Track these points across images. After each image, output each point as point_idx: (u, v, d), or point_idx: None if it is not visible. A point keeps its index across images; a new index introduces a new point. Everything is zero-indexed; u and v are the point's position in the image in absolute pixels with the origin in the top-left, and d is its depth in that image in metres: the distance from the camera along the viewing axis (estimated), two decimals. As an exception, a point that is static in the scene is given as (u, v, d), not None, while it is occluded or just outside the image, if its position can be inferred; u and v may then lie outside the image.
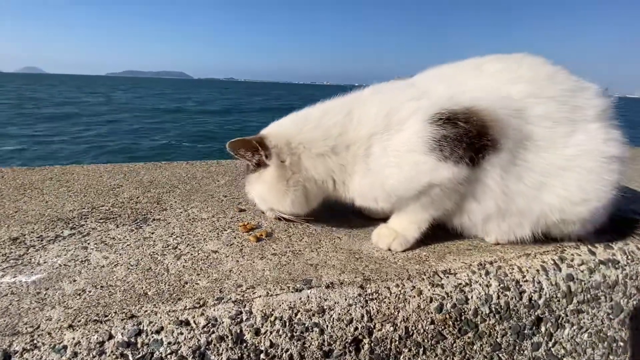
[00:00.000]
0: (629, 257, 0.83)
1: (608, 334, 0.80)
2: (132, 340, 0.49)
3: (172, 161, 1.46)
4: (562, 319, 0.74)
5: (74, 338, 0.48)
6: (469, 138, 0.66)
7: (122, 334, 0.49)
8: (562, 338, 0.75)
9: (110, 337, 0.49)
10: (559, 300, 0.73)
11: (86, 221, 0.85)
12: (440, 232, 0.82)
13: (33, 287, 0.58)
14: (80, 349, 0.47)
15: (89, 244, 0.74)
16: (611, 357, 0.81)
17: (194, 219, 0.88)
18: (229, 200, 1.02)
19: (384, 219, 0.84)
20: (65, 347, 0.47)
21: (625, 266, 0.81)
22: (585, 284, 0.76)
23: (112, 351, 0.47)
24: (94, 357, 0.47)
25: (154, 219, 0.88)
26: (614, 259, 0.81)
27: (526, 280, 0.71)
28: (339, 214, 0.96)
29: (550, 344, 0.73)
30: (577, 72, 0.76)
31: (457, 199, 0.73)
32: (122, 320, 0.51)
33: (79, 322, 0.50)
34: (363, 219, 0.93)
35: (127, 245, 0.74)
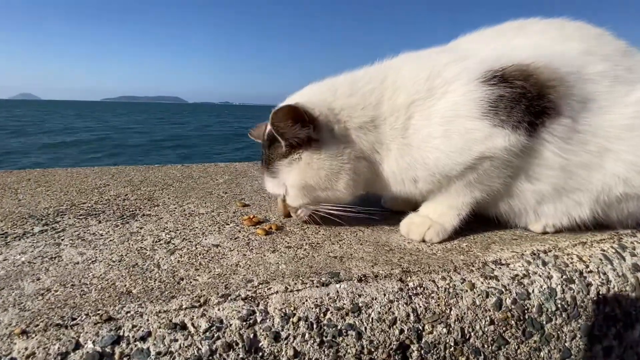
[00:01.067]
0: (694, 245, 0.72)
1: (682, 337, 0.68)
2: (108, 350, 0.36)
3: (167, 164, 1.35)
4: (632, 316, 0.62)
5: (26, 348, 0.35)
6: (528, 100, 0.56)
7: (93, 342, 0.36)
8: (633, 341, 0.62)
9: (77, 346, 0.36)
10: (628, 295, 0.61)
11: (62, 218, 0.72)
12: (472, 222, 0.71)
13: (-17, 287, 0.45)
14: (33, 364, 0.34)
15: (62, 240, 0.61)
16: (687, 365, 0.69)
17: (190, 214, 0.76)
18: (230, 197, 0.90)
19: (414, 208, 0.72)
20: (12, 361, 0.34)
21: (691, 256, 0.70)
22: (654, 275, 0.64)
23: (78, 366, 0.34)
24: (52, 374, 0.33)
25: (143, 215, 0.75)
26: (678, 248, 0.70)
27: (590, 271, 0.60)
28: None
29: (621, 349, 0.61)
30: None
31: (509, 176, 0.62)
32: (95, 324, 0.38)
33: (35, 326, 0.37)
34: (384, 210, 0.81)
35: (110, 240, 0.61)
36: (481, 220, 0.73)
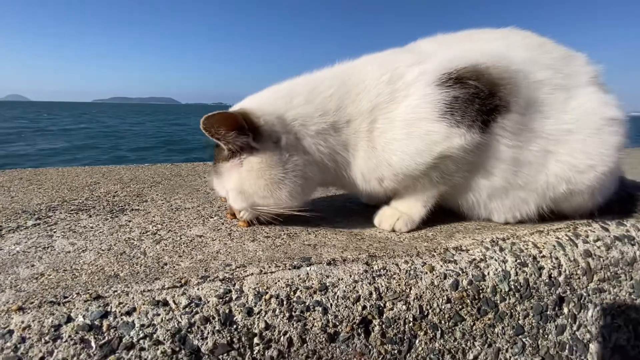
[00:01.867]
0: (644, 233, 0.78)
1: (631, 316, 0.74)
2: (97, 323, 0.40)
3: (156, 163, 1.39)
4: (585, 298, 0.68)
5: (22, 322, 0.39)
6: (481, 99, 0.61)
7: (83, 316, 0.40)
8: (587, 320, 0.68)
9: (69, 319, 0.40)
10: (579, 278, 0.67)
11: (54, 212, 0.76)
12: (441, 214, 0.76)
13: (-19, 273, 0.49)
14: (29, 334, 0.38)
15: (54, 232, 0.65)
16: (637, 342, 0.75)
17: (177, 209, 0.80)
18: (216, 193, 0.95)
19: (385, 202, 0.78)
20: (10, 332, 0.38)
21: (641, 242, 0.76)
22: (603, 260, 0.70)
23: (69, 336, 0.39)
24: (46, 342, 0.38)
25: (132, 209, 0.79)
26: (628, 235, 0.76)
27: (543, 256, 0.65)
28: (332, 200, 0.90)
29: (574, 327, 0.66)
30: None
31: (467, 170, 0.67)
32: (85, 301, 0.42)
33: (31, 304, 0.41)
34: (361, 205, 0.87)
35: (100, 232, 0.66)
36: (450, 212, 0.79)
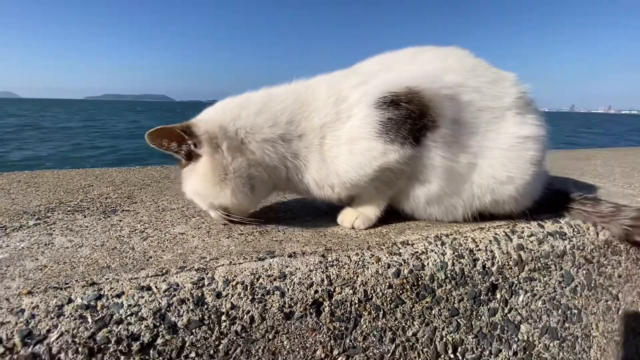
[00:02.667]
0: (575, 229, 0.90)
1: (562, 302, 0.85)
2: (92, 303, 0.50)
3: (147, 166, 1.47)
4: (516, 285, 0.78)
5: (32, 302, 0.48)
6: (412, 119, 0.71)
7: (81, 298, 0.50)
8: (517, 304, 0.79)
9: (70, 301, 0.49)
10: (511, 268, 0.78)
11: (53, 213, 0.85)
12: (400, 215, 0.87)
13: (-7, 265, 0.58)
14: (38, 312, 0.47)
15: (54, 230, 0.74)
16: (567, 324, 0.86)
17: (163, 209, 0.90)
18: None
19: (348, 204, 0.88)
20: (22, 310, 0.47)
21: (572, 238, 0.88)
22: (534, 253, 0.81)
23: (70, 313, 0.48)
24: (52, 318, 0.47)
25: (123, 210, 0.89)
26: (561, 231, 0.87)
27: (479, 249, 0.76)
28: (308, 203, 0.99)
29: (506, 310, 0.77)
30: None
31: (407, 178, 0.78)
32: (82, 287, 0.52)
33: (38, 289, 0.51)
34: (331, 206, 0.96)
35: (94, 230, 0.75)
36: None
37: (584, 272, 0.88)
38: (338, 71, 0.84)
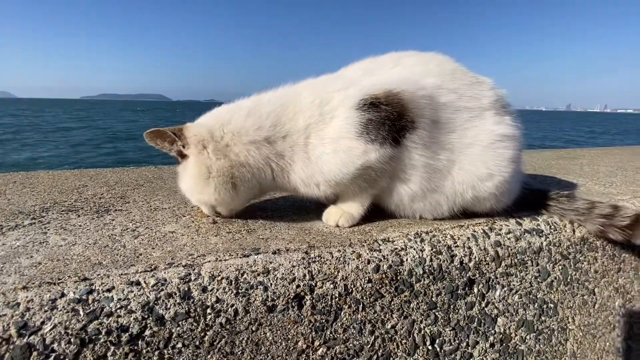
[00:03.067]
0: (552, 227, 0.93)
1: (538, 296, 0.89)
2: (84, 297, 0.53)
3: (141, 166, 1.50)
4: (493, 280, 0.82)
5: (27, 297, 0.51)
6: (391, 120, 0.75)
7: (74, 292, 0.53)
8: (494, 298, 0.82)
9: (63, 295, 0.52)
10: (488, 264, 0.81)
11: (47, 213, 0.88)
12: (384, 214, 0.90)
13: (-11, 262, 0.61)
14: (32, 305, 0.50)
15: (48, 229, 0.77)
16: (543, 317, 0.90)
17: (155, 209, 0.93)
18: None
19: (332, 202, 0.91)
20: (18, 304, 0.50)
21: (548, 235, 0.91)
22: (511, 249, 0.85)
23: (63, 307, 0.51)
24: (45, 311, 0.50)
25: (116, 210, 0.91)
26: (538, 229, 0.91)
27: (457, 246, 0.79)
28: (297, 202, 1.02)
29: (483, 304, 0.81)
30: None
31: (389, 176, 0.81)
32: (74, 282, 0.55)
33: (33, 284, 0.54)
34: (319, 204, 1.00)
35: (87, 229, 0.78)
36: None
37: (560, 267, 0.92)
38: (324, 76, 0.88)
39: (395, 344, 0.71)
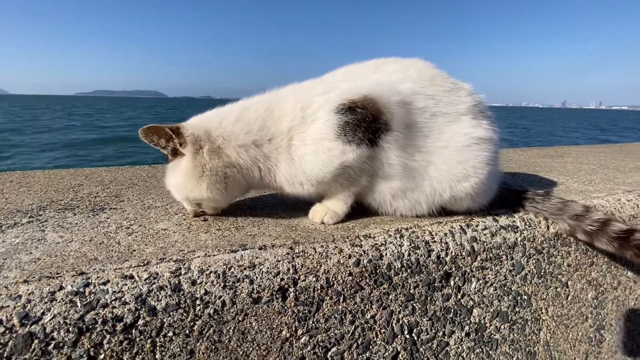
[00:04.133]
0: (527, 223, 0.98)
1: (512, 288, 0.94)
2: (81, 290, 0.57)
3: (135, 165, 1.53)
4: (468, 274, 0.87)
5: (28, 289, 0.55)
6: (366, 122, 0.79)
7: (71, 285, 0.57)
8: (470, 291, 0.88)
9: (61, 288, 0.56)
10: (464, 258, 0.86)
11: (44, 211, 0.91)
12: (369, 212, 0.95)
13: (-9, 258, 0.65)
14: (33, 297, 0.54)
15: (46, 227, 0.81)
16: (517, 309, 0.95)
17: (148, 207, 0.97)
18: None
19: (318, 200, 0.95)
20: (20, 296, 0.54)
21: (523, 230, 0.96)
22: (487, 244, 0.90)
23: (62, 298, 0.55)
24: (45, 303, 0.54)
25: (110, 208, 0.95)
26: (513, 225, 0.96)
27: (434, 241, 0.84)
28: (285, 200, 1.07)
29: (459, 296, 0.86)
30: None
31: (369, 175, 0.86)
32: (72, 276, 0.59)
33: (33, 278, 0.58)
34: (306, 203, 1.04)
35: (83, 227, 0.82)
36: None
37: (534, 261, 0.97)
38: (307, 81, 0.92)
39: (374, 333, 0.76)
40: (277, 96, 0.89)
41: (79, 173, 1.34)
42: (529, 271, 0.96)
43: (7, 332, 0.52)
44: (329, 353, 0.71)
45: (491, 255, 0.90)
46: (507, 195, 1.02)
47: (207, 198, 0.84)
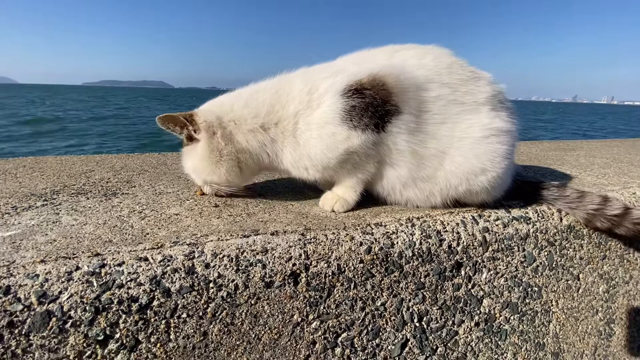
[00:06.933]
0: (540, 214, 0.97)
1: (523, 280, 0.93)
2: (97, 270, 0.57)
3: (144, 152, 1.54)
4: (479, 264, 0.87)
5: (45, 269, 0.56)
6: (374, 107, 0.77)
7: (87, 266, 0.58)
8: (481, 281, 0.87)
9: (78, 268, 0.57)
10: (475, 248, 0.86)
11: (58, 195, 0.92)
12: (379, 199, 0.94)
13: (9, 239, 0.66)
14: (50, 277, 0.55)
15: (60, 210, 0.82)
16: (527, 300, 0.94)
17: (160, 193, 0.97)
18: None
19: (329, 188, 0.95)
20: (37, 275, 0.55)
21: (536, 222, 0.95)
22: (499, 235, 0.89)
23: (78, 278, 0.56)
24: (62, 282, 0.55)
25: (122, 193, 0.96)
26: (526, 216, 0.95)
27: (446, 231, 0.84)
28: (296, 188, 1.07)
29: (469, 286, 0.86)
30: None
31: (377, 162, 0.84)
32: (88, 257, 0.60)
33: (50, 258, 0.58)
34: (317, 191, 1.04)
35: (96, 211, 0.82)
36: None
37: (546, 253, 0.96)
38: (317, 65, 0.91)
39: (384, 320, 0.76)
40: (286, 80, 0.88)
41: (89, 159, 1.35)
42: (541, 263, 0.95)
43: (25, 309, 0.53)
44: (339, 338, 0.72)
45: (503, 246, 0.89)
46: (522, 186, 1.01)
47: (227, 181, 0.86)
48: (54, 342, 0.53)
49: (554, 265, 0.97)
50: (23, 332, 0.52)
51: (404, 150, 0.82)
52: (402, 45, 0.92)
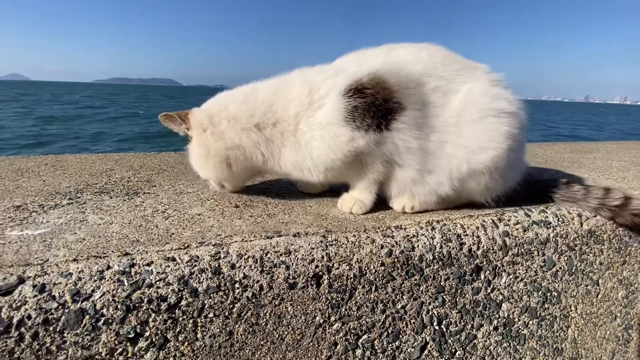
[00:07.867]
0: (560, 219, 0.96)
1: (542, 284, 0.93)
2: (127, 270, 0.59)
3: (162, 152, 1.56)
4: (499, 268, 0.86)
5: (78, 268, 0.58)
6: (376, 106, 0.77)
7: (118, 265, 0.59)
8: (500, 285, 0.87)
9: (109, 267, 0.59)
10: (495, 252, 0.85)
11: (82, 194, 0.94)
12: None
13: (39, 237, 0.68)
14: (83, 275, 0.57)
15: (86, 209, 0.84)
16: (546, 305, 0.94)
17: (180, 192, 0.99)
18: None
19: (345, 190, 0.95)
20: (70, 274, 0.57)
21: (556, 226, 0.94)
22: (519, 239, 0.88)
23: (110, 277, 0.57)
24: (95, 281, 0.56)
25: (144, 193, 0.98)
26: (546, 220, 0.94)
27: (466, 235, 0.84)
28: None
29: (489, 290, 0.85)
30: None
31: (385, 160, 0.84)
32: (118, 256, 0.61)
33: (81, 257, 0.60)
34: (334, 192, 1.04)
35: (121, 210, 0.84)
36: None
37: (566, 258, 0.95)
38: (317, 66, 0.91)
39: (404, 322, 0.76)
40: (286, 80, 0.88)
41: (108, 158, 1.38)
42: (560, 268, 0.95)
43: (60, 307, 0.54)
44: (360, 340, 0.72)
45: (523, 250, 0.89)
46: (535, 185, 1.00)
47: (217, 177, 0.90)
48: (87, 339, 0.55)
49: (573, 270, 0.97)
50: (57, 330, 0.54)
51: (413, 147, 0.82)
52: (397, 44, 0.92)
